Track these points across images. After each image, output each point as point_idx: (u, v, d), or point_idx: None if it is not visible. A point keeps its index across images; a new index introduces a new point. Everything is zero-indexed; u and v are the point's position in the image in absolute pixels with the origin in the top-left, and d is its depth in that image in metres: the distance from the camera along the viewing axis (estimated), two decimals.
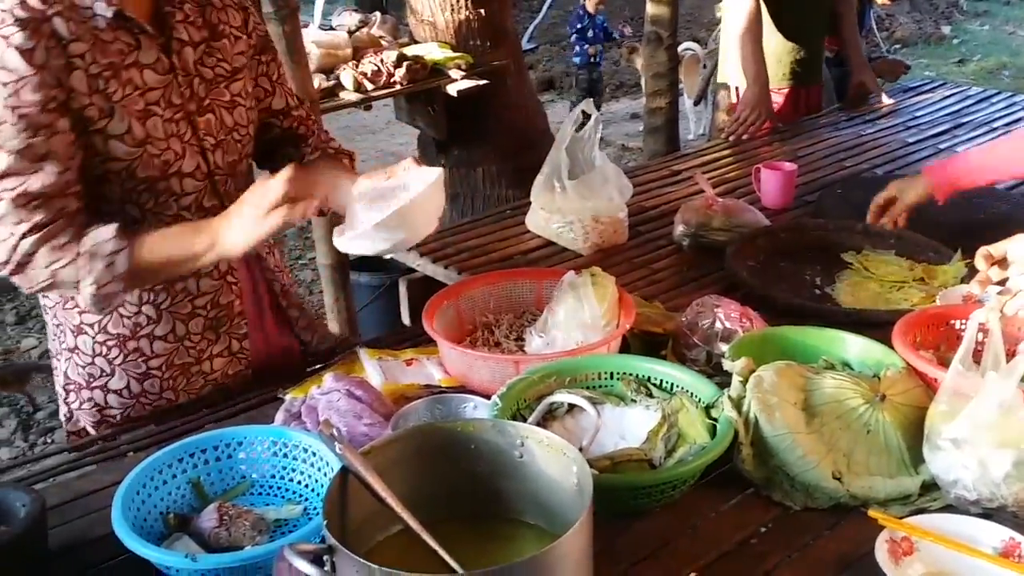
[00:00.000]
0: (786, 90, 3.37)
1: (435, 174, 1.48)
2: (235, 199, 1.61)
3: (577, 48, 7.75)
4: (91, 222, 1.45)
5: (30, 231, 1.41)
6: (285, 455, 1.38)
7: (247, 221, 1.42)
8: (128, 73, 1.49)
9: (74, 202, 1.45)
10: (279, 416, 1.51)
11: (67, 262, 1.42)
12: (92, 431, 1.71)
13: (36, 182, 1.40)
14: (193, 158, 1.58)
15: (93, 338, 1.65)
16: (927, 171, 2.09)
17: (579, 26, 7.68)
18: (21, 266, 1.43)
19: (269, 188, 1.40)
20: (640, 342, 1.70)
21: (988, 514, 1.27)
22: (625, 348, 1.66)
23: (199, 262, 1.48)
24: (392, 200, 1.47)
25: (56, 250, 1.42)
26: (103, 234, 1.42)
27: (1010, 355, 1.33)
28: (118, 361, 1.66)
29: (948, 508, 1.30)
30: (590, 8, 7.66)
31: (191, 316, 1.67)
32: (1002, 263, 1.39)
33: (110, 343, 1.65)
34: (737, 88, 3.38)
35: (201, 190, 1.60)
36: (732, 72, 3.43)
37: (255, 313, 1.78)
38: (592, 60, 7.70)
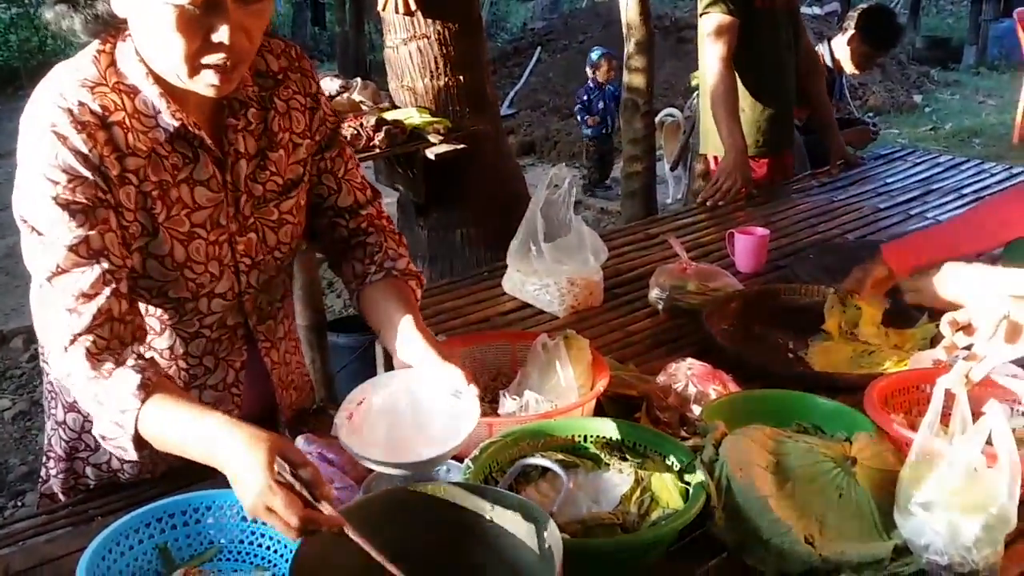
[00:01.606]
0: (760, 159, 3.43)
1: (470, 424, 1.32)
2: (261, 314, 1.59)
3: (579, 119, 7.74)
4: (134, 331, 1.35)
5: (74, 340, 1.29)
6: (254, 520, 1.36)
7: (242, 494, 1.16)
8: (178, 191, 1.42)
9: (119, 306, 1.33)
10: None
11: (88, 398, 1.31)
12: (63, 498, 1.67)
13: (87, 280, 1.30)
14: (228, 279, 1.50)
15: (85, 417, 1.60)
16: (884, 251, 2.09)
17: (585, 98, 7.65)
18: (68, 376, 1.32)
19: (285, 510, 1.11)
20: (614, 405, 1.70)
21: None
22: (599, 411, 1.67)
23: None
24: (415, 435, 1.37)
25: (89, 381, 1.29)
26: (125, 383, 1.27)
27: (977, 419, 1.35)
28: None
29: (921, 573, 1.30)
30: (600, 78, 7.62)
31: None
32: (967, 329, 1.41)
33: None
34: (716, 157, 3.45)
35: (227, 309, 1.54)
36: (708, 140, 3.50)
37: (251, 416, 1.65)
38: (604, 131, 7.65)
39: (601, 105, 7.63)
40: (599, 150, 7.82)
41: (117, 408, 1.27)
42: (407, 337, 1.45)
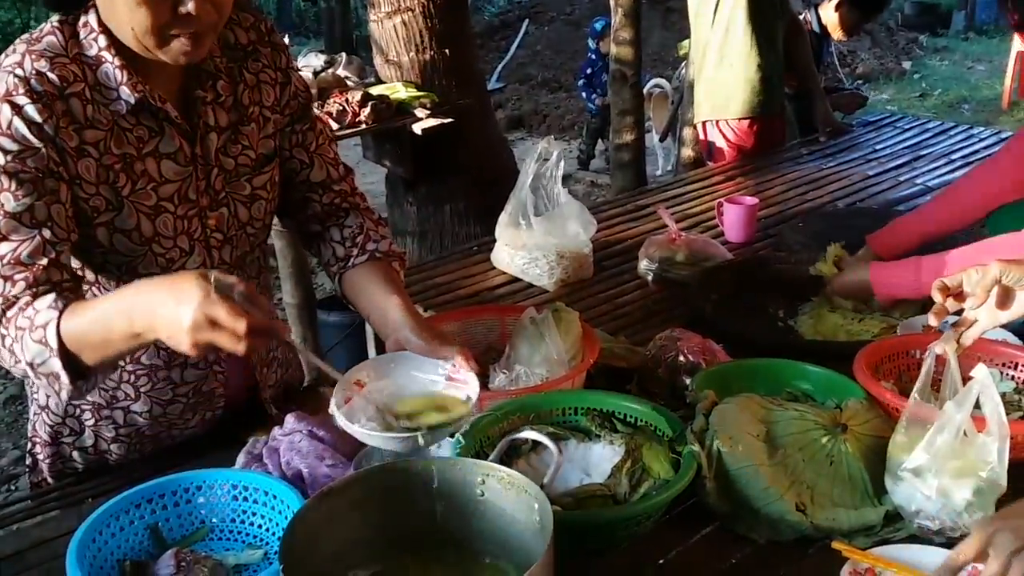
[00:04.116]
0: (747, 122, 3.42)
1: (466, 406, 1.31)
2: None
3: (584, 95, 7.52)
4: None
5: (5, 306, 1.28)
6: (245, 498, 1.35)
7: (173, 325, 1.15)
8: (144, 164, 1.40)
9: (58, 274, 1.31)
10: (240, 458, 1.49)
11: (12, 338, 1.27)
12: (53, 483, 1.66)
13: (26, 248, 1.29)
14: (199, 255, 1.48)
15: (67, 401, 1.59)
16: (870, 240, 2.13)
17: (588, 72, 7.37)
18: None
19: (229, 318, 1.13)
20: (604, 377, 1.70)
21: (951, 543, 1.27)
22: (590, 383, 1.66)
23: (128, 347, 1.25)
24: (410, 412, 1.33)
25: (10, 320, 1.27)
26: (41, 303, 1.26)
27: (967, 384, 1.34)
28: (90, 423, 1.61)
29: (912, 538, 1.30)
30: (604, 48, 7.01)
31: (171, 401, 1.60)
32: (958, 295, 1.41)
33: (84, 406, 1.59)
34: (704, 123, 3.43)
35: None
36: (700, 109, 3.49)
37: (237, 393, 1.69)
38: (607, 105, 7.24)
39: (605, 77, 7.37)
40: (600, 126, 7.50)
41: (38, 324, 1.25)
42: (399, 322, 1.43)
